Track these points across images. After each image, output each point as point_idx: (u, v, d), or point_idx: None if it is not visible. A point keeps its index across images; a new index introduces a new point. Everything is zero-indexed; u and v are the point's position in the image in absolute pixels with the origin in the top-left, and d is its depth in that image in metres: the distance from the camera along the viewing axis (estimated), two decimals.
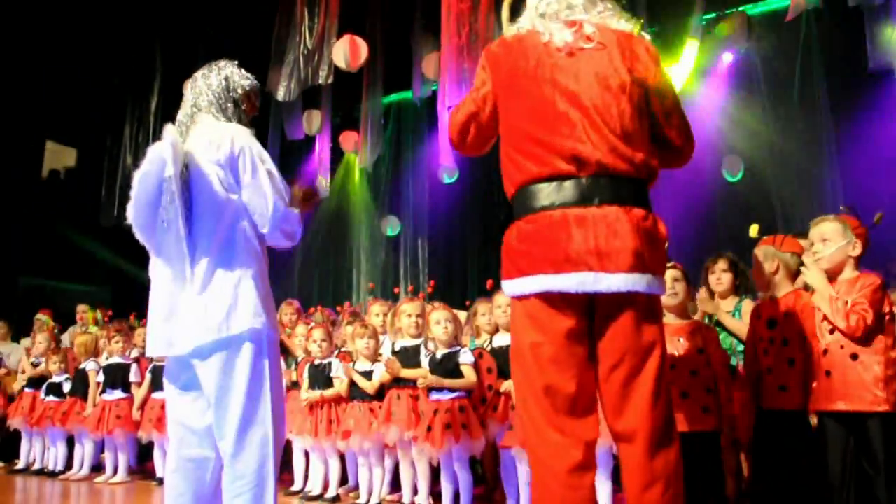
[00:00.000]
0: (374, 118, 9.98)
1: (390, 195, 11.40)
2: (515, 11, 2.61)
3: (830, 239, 3.22)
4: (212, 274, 2.65)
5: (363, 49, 8.21)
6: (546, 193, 2.30)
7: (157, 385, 5.88)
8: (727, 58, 9.31)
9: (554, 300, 2.27)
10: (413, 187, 11.17)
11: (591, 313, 2.32)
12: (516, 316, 2.41)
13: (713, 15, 9.16)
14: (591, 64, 2.36)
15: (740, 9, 8.54)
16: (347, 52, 8.11)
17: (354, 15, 8.84)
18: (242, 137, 2.75)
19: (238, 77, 2.98)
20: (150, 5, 9.86)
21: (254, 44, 8.87)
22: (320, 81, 8.28)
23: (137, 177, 2.66)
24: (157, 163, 2.60)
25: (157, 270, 2.77)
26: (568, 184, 2.28)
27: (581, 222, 2.25)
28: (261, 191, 2.71)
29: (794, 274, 3.40)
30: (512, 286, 2.37)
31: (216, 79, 2.93)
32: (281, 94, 8.36)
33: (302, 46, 8.25)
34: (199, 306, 2.62)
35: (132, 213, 2.69)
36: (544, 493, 2.26)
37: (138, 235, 2.74)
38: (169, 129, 2.64)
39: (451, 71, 7.25)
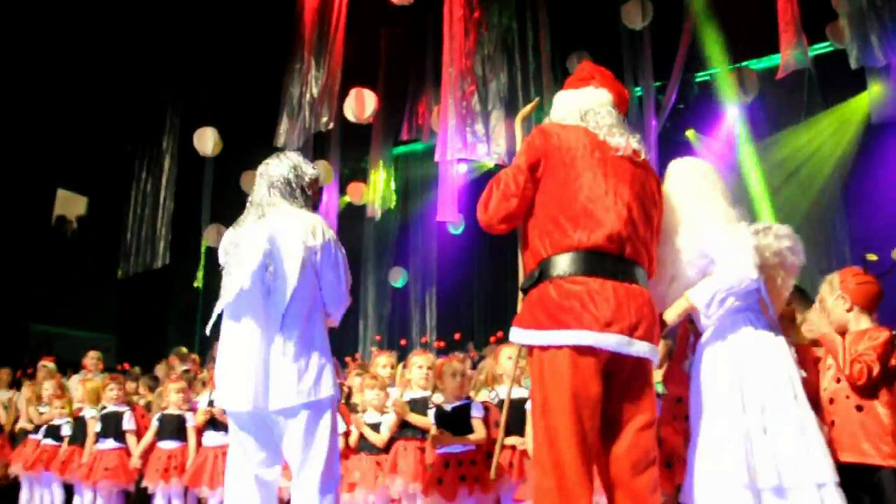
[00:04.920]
0: (383, 169, 10.08)
1: (397, 246, 11.44)
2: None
3: (823, 300, 3.32)
4: (302, 342, 3.09)
5: (370, 101, 8.33)
6: (591, 262, 2.64)
7: (163, 434, 5.83)
8: (732, 111, 9.44)
9: (584, 354, 2.59)
10: (421, 238, 11.24)
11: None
12: (546, 365, 2.65)
13: (717, 70, 9.30)
14: (637, 172, 2.82)
15: (744, 64, 8.68)
16: (353, 104, 8.23)
17: (366, 67, 9.01)
18: (328, 230, 3.26)
19: (306, 167, 3.40)
20: (162, 59, 10.07)
21: (264, 96, 9.04)
22: (321, 128, 8.37)
23: (256, 252, 3.07)
24: (271, 243, 3.09)
25: (238, 330, 3.11)
26: (609, 259, 2.66)
27: (620, 293, 2.62)
28: (340, 282, 3.23)
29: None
30: (546, 336, 2.63)
31: (286, 168, 3.34)
32: (282, 142, 8.40)
33: (308, 96, 8.36)
34: (291, 370, 3.04)
35: (246, 282, 3.04)
36: None
37: (230, 299, 3.06)
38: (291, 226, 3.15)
39: (457, 127, 7.33)
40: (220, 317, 3.18)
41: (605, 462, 2.69)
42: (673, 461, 3.72)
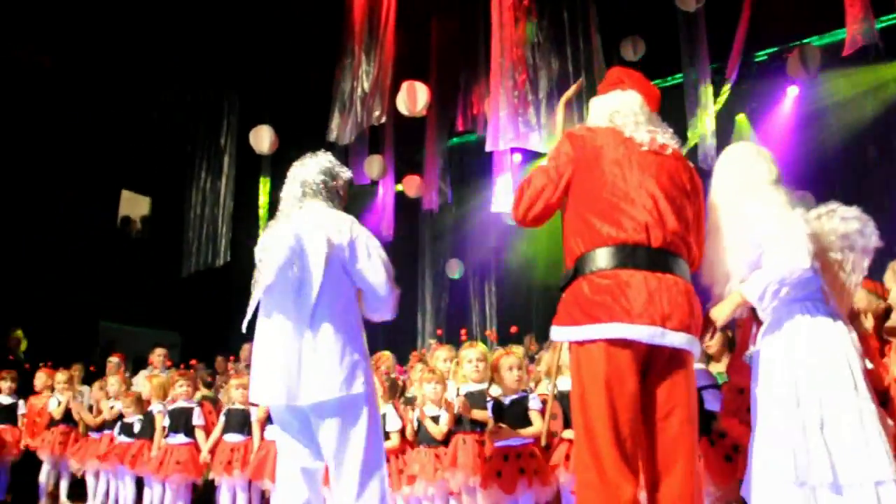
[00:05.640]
0: (440, 161, 10.06)
1: (454, 238, 11.43)
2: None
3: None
4: (334, 338, 3.12)
5: (422, 94, 8.32)
6: (621, 256, 2.67)
7: (228, 428, 5.96)
8: (792, 90, 9.16)
9: (618, 347, 2.61)
10: (478, 230, 11.21)
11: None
12: (582, 359, 2.69)
13: (775, 49, 9.05)
14: (665, 164, 2.84)
15: (805, 41, 8.40)
16: (406, 98, 8.23)
17: (419, 59, 9.01)
18: (357, 226, 3.31)
19: (338, 169, 3.49)
20: (217, 61, 10.25)
21: (318, 92, 9.11)
22: (374, 122, 8.39)
23: (283, 248, 3.14)
24: (297, 240, 3.16)
25: (270, 326, 3.18)
26: (640, 251, 2.68)
27: (652, 284, 2.63)
28: (377, 273, 3.26)
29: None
30: (581, 331, 2.67)
31: (318, 170, 3.41)
32: (333, 137, 8.44)
33: (359, 90, 8.38)
34: (323, 365, 3.09)
35: (270, 277, 3.10)
36: None
37: (261, 294, 3.17)
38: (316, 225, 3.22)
39: (509, 116, 7.25)
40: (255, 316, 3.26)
41: (644, 457, 2.70)
42: (734, 454, 3.64)
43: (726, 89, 8.09)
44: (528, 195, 2.92)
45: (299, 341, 3.12)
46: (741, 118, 9.54)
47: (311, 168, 3.42)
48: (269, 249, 3.21)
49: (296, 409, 3.18)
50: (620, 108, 2.94)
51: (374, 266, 3.26)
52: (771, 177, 3.03)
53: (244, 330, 3.25)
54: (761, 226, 2.84)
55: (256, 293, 3.19)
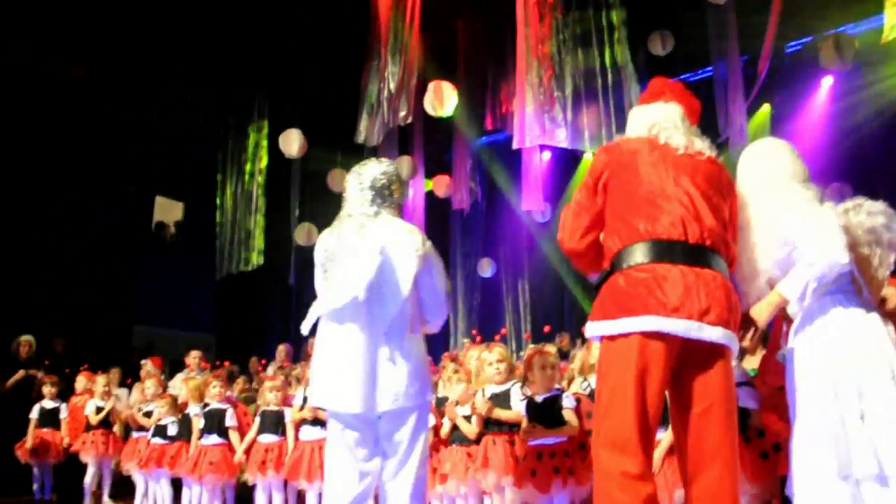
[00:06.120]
0: (470, 160, 10.05)
1: (485, 237, 11.41)
2: None
3: None
4: (408, 348, 3.25)
5: (449, 94, 8.30)
6: (658, 251, 2.67)
7: (262, 428, 6.01)
8: (827, 81, 9.01)
9: (653, 339, 2.58)
10: (509, 228, 11.17)
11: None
12: (614, 353, 2.66)
13: (808, 39, 8.91)
14: (701, 166, 2.84)
15: (840, 30, 8.25)
16: (433, 98, 8.23)
17: (447, 60, 9.00)
18: (428, 242, 3.37)
19: (398, 176, 3.49)
20: (247, 67, 10.35)
21: (347, 95, 9.16)
22: (400, 122, 8.39)
23: (372, 263, 3.18)
24: (384, 255, 3.21)
25: (341, 332, 3.22)
26: (677, 246, 2.67)
27: (689, 279, 2.61)
28: (438, 294, 3.41)
29: None
30: (615, 325, 2.64)
31: (383, 176, 3.40)
32: (362, 139, 8.45)
33: (386, 92, 8.39)
34: (400, 375, 3.21)
35: (360, 293, 3.15)
36: None
37: (338, 306, 3.17)
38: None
39: (535, 113, 7.21)
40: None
41: (681, 453, 2.70)
42: (771, 452, 3.59)
43: (758, 82, 7.96)
44: (570, 213, 2.95)
45: (375, 351, 3.19)
46: (763, 111, 9.40)
47: (378, 175, 3.39)
48: (346, 261, 3.23)
49: (362, 415, 3.24)
50: (661, 120, 2.94)
51: (439, 283, 3.39)
52: (798, 173, 3.00)
53: (305, 332, 3.29)
54: (791, 222, 2.81)
55: (335, 303, 3.19)
